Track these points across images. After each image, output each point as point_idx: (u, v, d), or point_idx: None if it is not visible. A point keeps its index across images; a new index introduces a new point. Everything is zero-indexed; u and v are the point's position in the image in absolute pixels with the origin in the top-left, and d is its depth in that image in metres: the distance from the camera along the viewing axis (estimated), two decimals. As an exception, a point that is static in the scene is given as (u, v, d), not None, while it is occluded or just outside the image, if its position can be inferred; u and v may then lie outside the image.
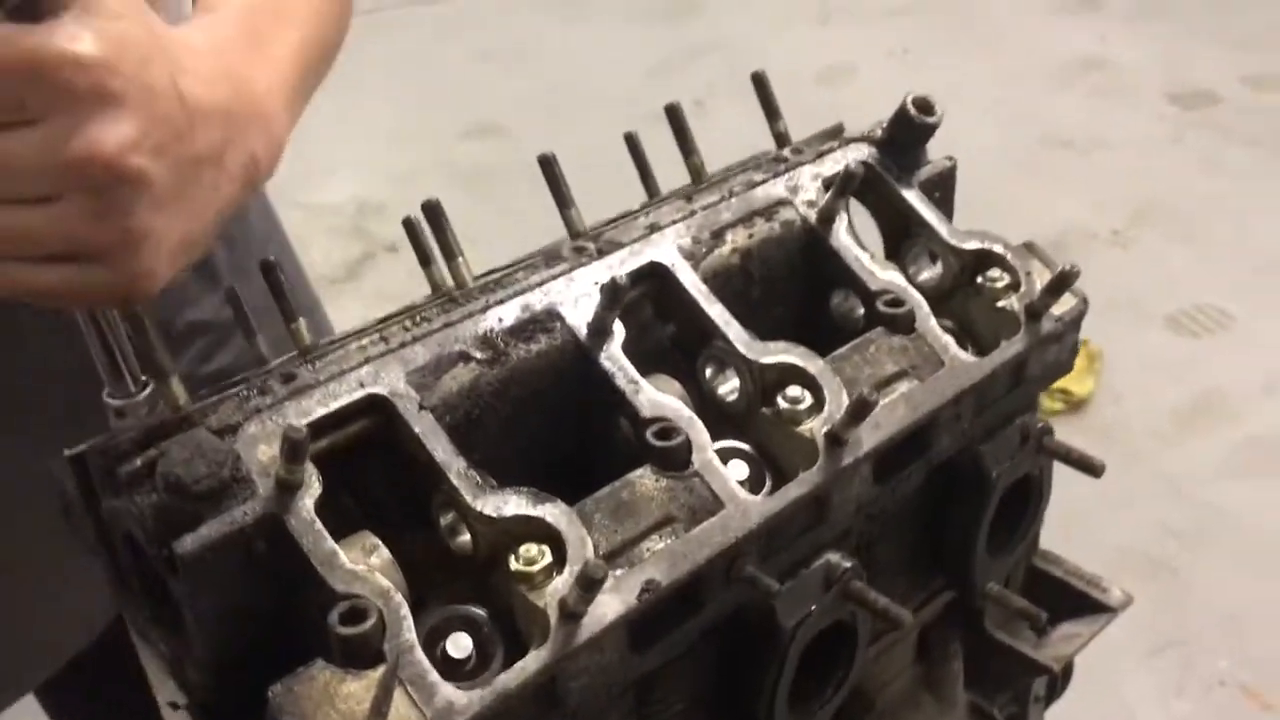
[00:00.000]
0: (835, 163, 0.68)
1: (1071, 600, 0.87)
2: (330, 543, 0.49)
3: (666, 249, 0.61)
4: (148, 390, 0.56)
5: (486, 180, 3.13)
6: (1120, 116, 3.48)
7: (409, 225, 0.61)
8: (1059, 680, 0.89)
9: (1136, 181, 3.05)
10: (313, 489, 0.49)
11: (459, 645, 0.50)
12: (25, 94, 0.46)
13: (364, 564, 0.49)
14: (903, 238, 0.69)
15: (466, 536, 0.54)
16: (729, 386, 0.61)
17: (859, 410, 0.55)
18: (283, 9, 0.74)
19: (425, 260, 0.60)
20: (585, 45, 4.01)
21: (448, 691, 0.47)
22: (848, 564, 0.58)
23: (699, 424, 0.56)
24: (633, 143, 0.66)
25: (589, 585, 0.48)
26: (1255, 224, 3.02)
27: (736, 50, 3.72)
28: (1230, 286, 2.82)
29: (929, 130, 0.68)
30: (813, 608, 0.57)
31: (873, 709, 0.77)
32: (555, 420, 0.58)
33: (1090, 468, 0.65)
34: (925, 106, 0.68)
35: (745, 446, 0.59)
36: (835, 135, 0.73)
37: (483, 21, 4.15)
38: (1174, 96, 3.56)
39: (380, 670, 0.46)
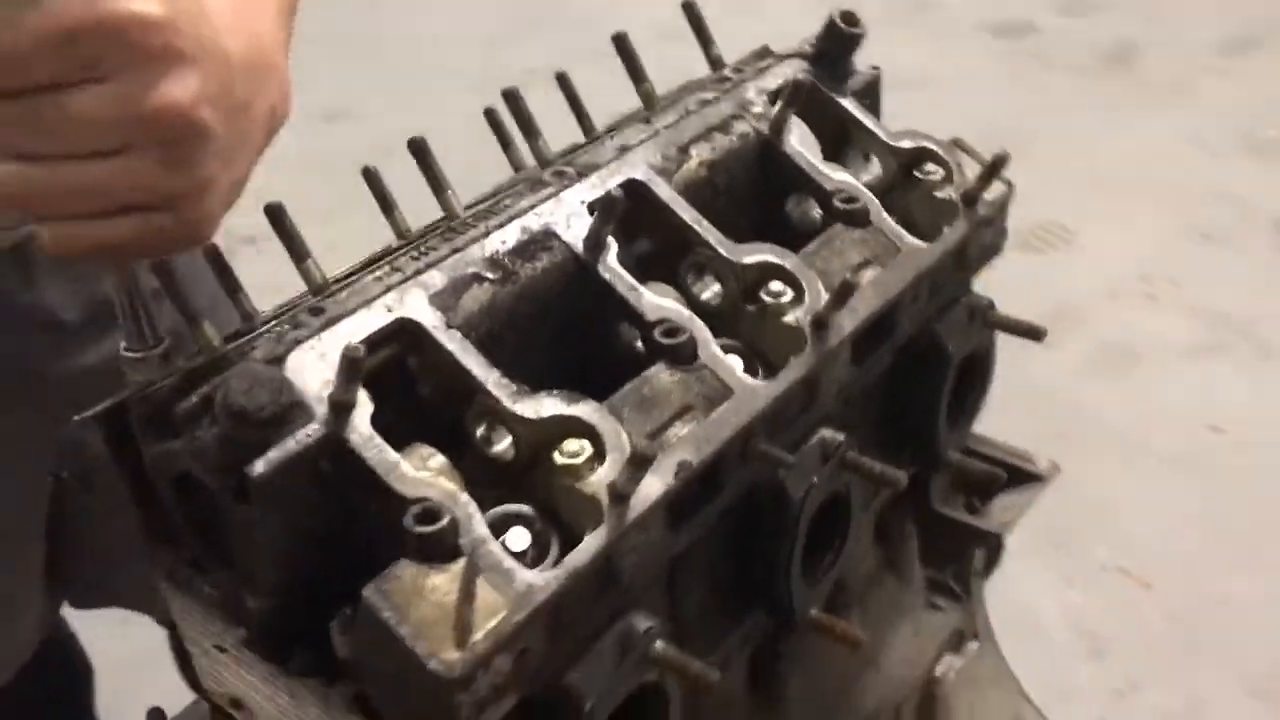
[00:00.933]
0: (776, 77, 0.73)
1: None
2: (393, 454, 0.52)
3: (640, 167, 0.66)
4: (164, 344, 0.58)
5: (343, 164, 3.11)
6: (948, 52, 3.65)
7: (368, 174, 0.63)
8: (998, 550, 0.97)
9: (970, 113, 3.21)
10: (367, 407, 0.52)
11: (518, 539, 0.53)
12: (99, 52, 0.47)
13: (425, 471, 0.52)
14: (842, 143, 0.74)
15: (502, 445, 0.57)
16: (711, 291, 0.66)
17: (842, 294, 0.61)
18: None
19: (388, 208, 0.63)
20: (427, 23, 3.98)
21: (525, 575, 0.51)
22: (841, 437, 0.64)
23: (699, 321, 0.61)
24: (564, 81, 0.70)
25: (640, 463, 0.52)
26: (1082, 143, 3.22)
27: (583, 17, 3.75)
28: (1068, 203, 3.01)
29: (856, 41, 0.74)
30: (814, 479, 0.63)
31: (846, 590, 0.83)
32: (561, 334, 0.62)
33: (1033, 333, 0.72)
34: (851, 19, 0.73)
35: (735, 341, 0.64)
36: (764, 55, 0.78)
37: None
38: (995, 29, 3.75)
39: (460, 563, 0.50)
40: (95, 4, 0.47)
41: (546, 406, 0.55)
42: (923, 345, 0.71)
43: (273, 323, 0.56)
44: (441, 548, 0.50)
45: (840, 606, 0.83)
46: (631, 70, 0.71)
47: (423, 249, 0.60)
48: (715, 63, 0.76)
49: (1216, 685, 2.26)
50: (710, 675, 0.54)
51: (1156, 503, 2.51)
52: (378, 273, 0.59)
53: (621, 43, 0.71)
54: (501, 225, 0.61)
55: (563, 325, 0.62)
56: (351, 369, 0.50)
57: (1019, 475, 0.94)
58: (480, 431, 0.57)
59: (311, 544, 0.54)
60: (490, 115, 0.66)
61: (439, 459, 0.53)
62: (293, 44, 0.63)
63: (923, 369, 0.72)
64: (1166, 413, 2.74)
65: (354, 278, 0.59)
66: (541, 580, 0.51)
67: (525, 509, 0.55)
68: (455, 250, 0.60)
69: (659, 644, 0.55)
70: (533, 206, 0.62)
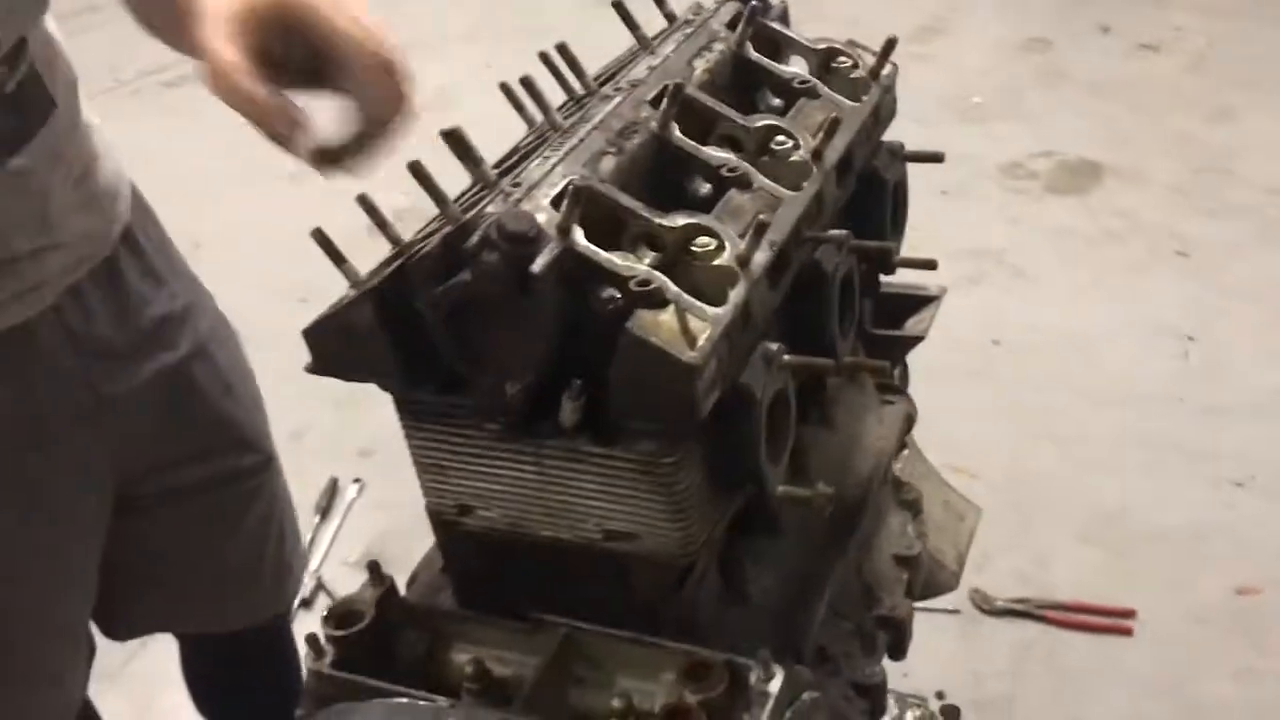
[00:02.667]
0: (725, 14, 1.04)
1: (905, 303, 1.27)
2: (609, 254, 0.78)
3: (669, 75, 0.95)
4: None
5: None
6: None
7: (505, 88, 0.91)
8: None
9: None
10: (579, 229, 0.79)
11: (689, 300, 0.81)
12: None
13: (633, 260, 0.79)
14: (775, 54, 1.05)
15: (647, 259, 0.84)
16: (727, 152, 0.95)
17: (830, 131, 0.91)
18: None
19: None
20: None
21: (712, 312, 0.78)
22: (845, 231, 0.94)
23: (747, 164, 0.90)
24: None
25: (760, 231, 0.80)
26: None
27: None
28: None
29: (773, -18, 1.05)
30: (838, 260, 0.93)
31: (826, 394, 1.13)
32: (653, 185, 0.90)
33: (934, 157, 1.05)
34: (768, -34, 1.05)
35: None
36: (699, 10, 1.09)
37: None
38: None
39: (671, 308, 0.77)
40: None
41: (680, 219, 0.83)
42: (868, 176, 1.03)
43: (486, 196, 0.82)
44: (657, 299, 0.77)
45: (827, 404, 1.13)
46: (627, 20, 1.01)
47: (557, 140, 0.87)
48: (669, 17, 1.07)
49: (1053, 540, 2.68)
50: (826, 365, 0.83)
51: (964, 409, 2.94)
52: (536, 159, 0.85)
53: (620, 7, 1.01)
54: (602, 121, 0.89)
55: (655, 179, 0.90)
56: (575, 199, 0.77)
57: (919, 300, 1.27)
58: (633, 248, 0.84)
59: (552, 332, 0.79)
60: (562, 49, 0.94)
61: (645, 257, 0.80)
62: None
63: (870, 192, 1.03)
64: (955, 336, 3.19)
65: (519, 164, 0.85)
66: (719, 313, 0.78)
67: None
68: (580, 140, 0.87)
69: (786, 356, 0.83)
70: (615, 109, 0.91)
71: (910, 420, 1.24)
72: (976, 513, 1.39)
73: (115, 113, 4.34)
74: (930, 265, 1.04)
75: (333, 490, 2.76)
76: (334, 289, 0.87)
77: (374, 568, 0.95)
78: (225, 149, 4.28)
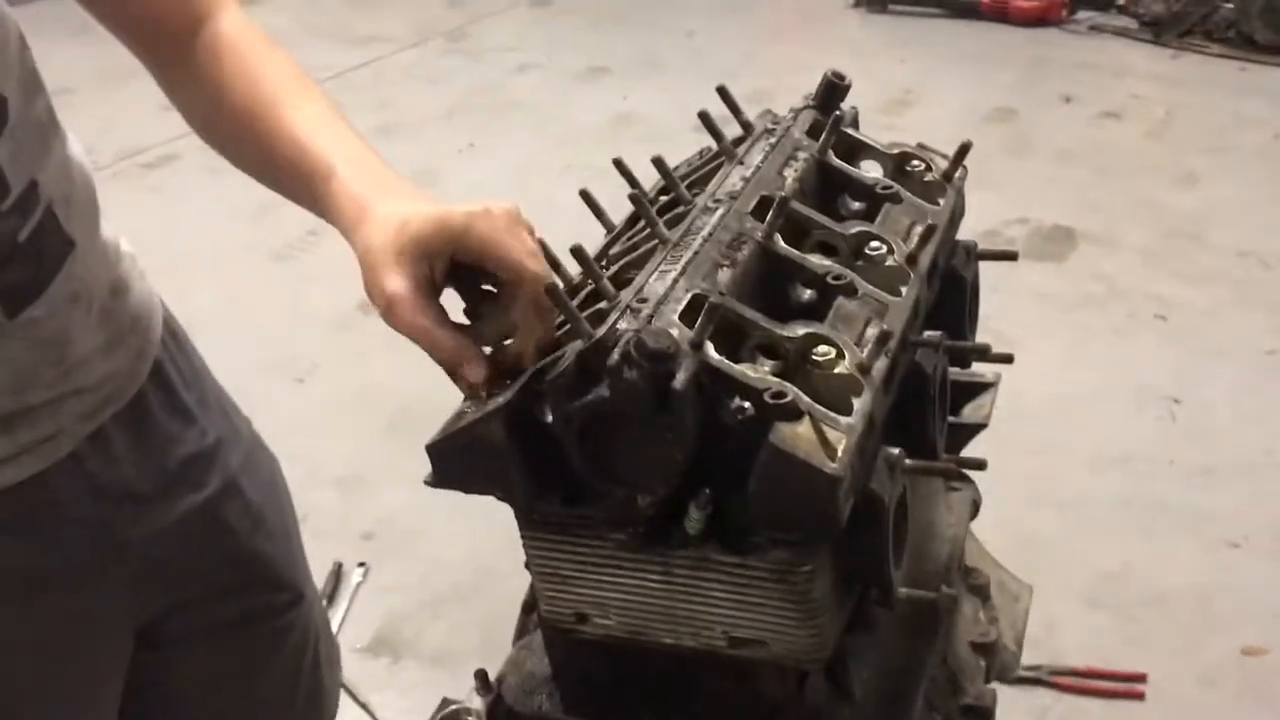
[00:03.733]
0: (804, 122, 1.07)
1: (963, 390, 1.30)
2: (739, 366, 0.80)
3: (764, 187, 0.98)
4: None
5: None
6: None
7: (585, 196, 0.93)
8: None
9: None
10: (711, 345, 0.81)
11: (815, 409, 0.83)
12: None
13: (759, 373, 0.81)
14: (851, 159, 1.09)
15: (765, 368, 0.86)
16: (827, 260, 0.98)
17: (926, 237, 0.94)
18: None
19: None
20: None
21: (845, 421, 0.80)
22: (939, 334, 0.97)
23: (849, 271, 0.93)
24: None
25: (883, 339, 0.83)
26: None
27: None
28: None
29: (846, 90, 1.09)
30: (936, 364, 0.95)
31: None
32: (762, 294, 0.92)
33: (1009, 256, 1.08)
34: (839, 76, 1.09)
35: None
36: (773, 116, 1.12)
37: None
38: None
39: (806, 419, 0.79)
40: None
41: (800, 328, 0.85)
42: (948, 275, 1.06)
43: (617, 318, 0.84)
44: (792, 412, 0.79)
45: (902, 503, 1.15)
46: (735, 113, 1.04)
47: (671, 256, 0.89)
48: (745, 125, 1.10)
49: (1059, 605, 2.70)
50: (946, 468, 0.85)
51: (963, 475, 2.95)
52: (653, 275, 0.87)
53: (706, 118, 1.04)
54: (710, 235, 0.91)
55: (761, 288, 0.92)
56: (709, 315, 0.79)
57: (975, 388, 1.30)
58: (753, 358, 0.86)
59: (692, 444, 0.81)
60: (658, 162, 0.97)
61: (764, 366, 0.82)
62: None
63: (950, 291, 1.06)
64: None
65: (626, 273, 0.87)
66: (854, 421, 0.81)
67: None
68: (695, 253, 0.89)
69: (907, 460, 0.86)
70: (721, 221, 0.93)
71: (976, 506, 1.27)
72: (1029, 592, 1.42)
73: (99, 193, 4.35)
74: (1008, 360, 1.07)
75: (337, 575, 2.74)
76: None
77: (481, 676, 0.96)
78: (208, 229, 4.32)
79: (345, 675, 2.52)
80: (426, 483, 0.89)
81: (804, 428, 0.79)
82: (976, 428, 1.25)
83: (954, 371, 1.29)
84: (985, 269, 4.16)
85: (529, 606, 1.06)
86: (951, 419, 1.25)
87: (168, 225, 4.12)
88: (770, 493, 0.79)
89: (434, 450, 0.87)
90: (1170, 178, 4.24)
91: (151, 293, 1.25)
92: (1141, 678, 2.47)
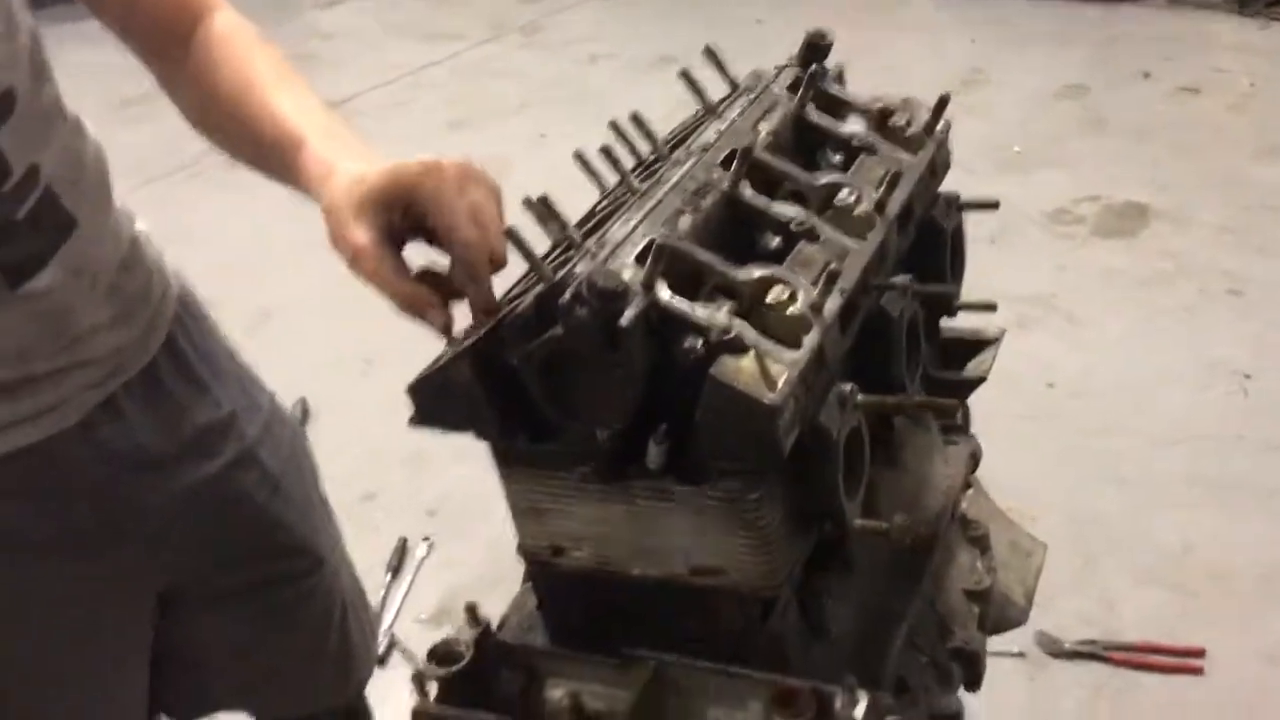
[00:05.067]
0: (786, 79, 1.10)
1: (966, 346, 1.32)
2: (690, 304, 0.84)
3: (736, 138, 1.01)
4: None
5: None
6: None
7: (579, 157, 0.97)
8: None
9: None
10: (663, 283, 0.84)
11: (766, 346, 0.86)
12: None
13: (713, 310, 0.85)
14: (834, 114, 1.11)
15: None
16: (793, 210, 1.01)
17: (891, 185, 0.97)
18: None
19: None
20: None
21: (789, 355, 0.84)
22: (906, 278, 0.99)
23: (816, 217, 0.96)
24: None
25: (831, 280, 0.86)
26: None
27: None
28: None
29: (828, 49, 1.11)
30: (903, 305, 0.98)
31: (895, 436, 1.18)
32: (725, 241, 0.96)
33: (989, 205, 1.10)
34: (821, 36, 1.11)
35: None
36: (759, 76, 1.15)
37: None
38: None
39: (751, 354, 0.82)
40: None
41: (755, 271, 0.89)
42: (927, 225, 1.08)
43: (572, 258, 0.88)
44: (737, 345, 0.83)
45: (895, 447, 1.17)
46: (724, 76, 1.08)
47: (636, 202, 0.93)
48: (732, 84, 1.13)
49: (1118, 581, 2.68)
50: (898, 402, 0.88)
51: (1022, 452, 2.96)
52: (617, 221, 0.92)
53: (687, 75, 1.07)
54: (677, 183, 0.95)
55: (728, 235, 0.96)
56: (658, 255, 0.83)
57: (977, 343, 1.32)
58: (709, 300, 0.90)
59: (641, 381, 0.85)
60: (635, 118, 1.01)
61: (721, 308, 0.86)
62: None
63: (930, 241, 1.08)
64: (1009, 382, 3.22)
65: (600, 226, 0.92)
66: (798, 356, 0.84)
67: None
68: (658, 202, 0.93)
69: (861, 395, 0.88)
70: (689, 172, 0.97)
71: (975, 459, 1.28)
72: (1043, 549, 1.43)
73: (178, 195, 4.53)
74: (990, 307, 1.09)
75: (403, 549, 2.82)
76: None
77: (471, 609, 1.01)
78: (286, 222, 4.44)
79: (408, 642, 2.62)
80: (409, 422, 0.95)
81: (747, 361, 0.82)
82: (976, 381, 1.27)
83: (957, 328, 1.31)
84: (1052, 246, 4.12)
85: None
86: (954, 374, 1.28)
87: (248, 219, 4.27)
88: (715, 424, 0.83)
89: (413, 391, 0.92)
90: (1251, 151, 4.14)
91: (166, 271, 1.32)
92: (1200, 653, 2.43)
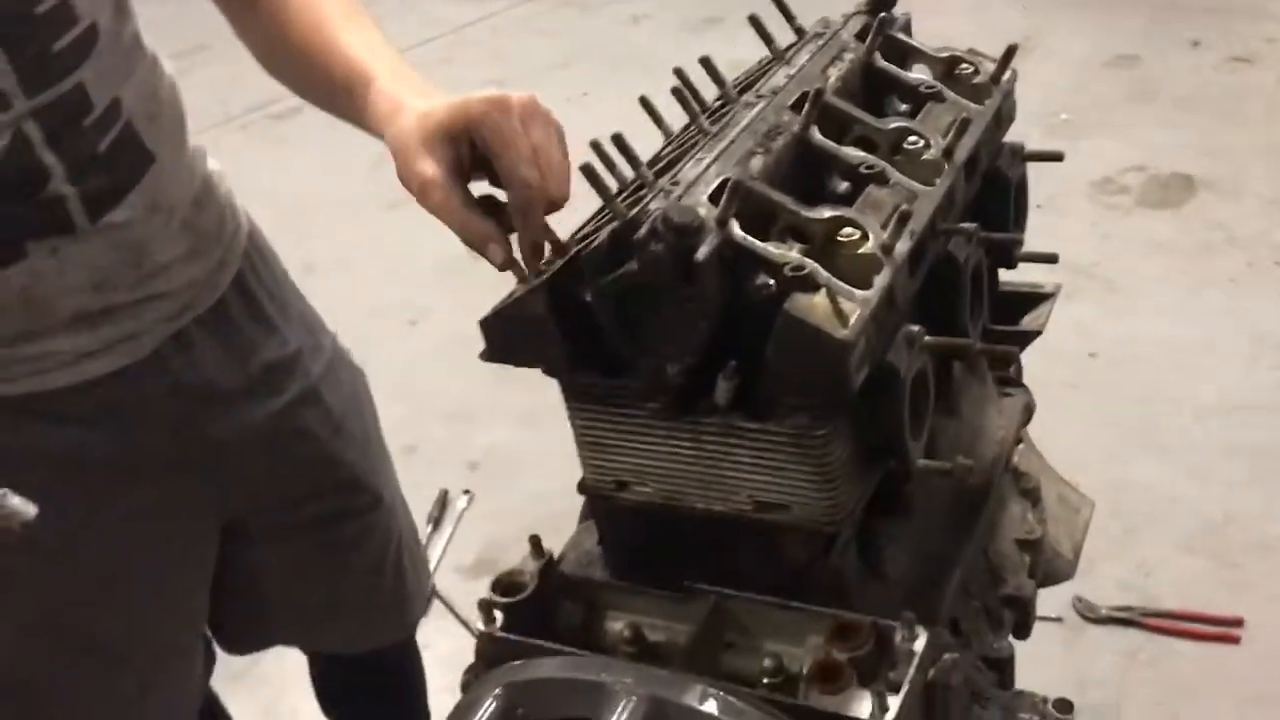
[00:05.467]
0: (854, 25, 1.11)
1: (1023, 300, 1.32)
2: (763, 244, 0.85)
3: (807, 83, 1.02)
4: None
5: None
6: None
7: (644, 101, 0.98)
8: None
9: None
10: (736, 222, 0.86)
11: (836, 285, 0.87)
12: None
13: (784, 249, 0.86)
14: (902, 62, 1.12)
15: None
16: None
17: (961, 131, 0.98)
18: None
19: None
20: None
21: (860, 294, 0.85)
22: (973, 225, 1.00)
23: (884, 162, 0.96)
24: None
25: (902, 222, 0.87)
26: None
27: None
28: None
29: (896, -2, 1.12)
30: (969, 251, 0.99)
31: (952, 387, 1.19)
32: (797, 183, 0.97)
33: (1054, 156, 1.10)
34: (892, -19, 1.12)
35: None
36: (827, 23, 1.16)
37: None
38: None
39: (823, 291, 0.83)
40: None
41: (827, 210, 0.90)
42: (992, 175, 1.08)
43: (647, 196, 0.89)
44: (809, 283, 0.84)
45: (953, 396, 1.18)
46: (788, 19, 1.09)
47: (707, 143, 0.94)
48: (799, 31, 1.14)
49: (1157, 549, 2.68)
50: (964, 344, 0.89)
51: (1063, 420, 2.94)
52: (689, 161, 0.93)
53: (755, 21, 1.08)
54: (748, 125, 0.96)
55: (799, 178, 0.97)
56: (733, 193, 0.84)
57: (1034, 298, 1.33)
58: (782, 240, 0.91)
59: (714, 316, 0.86)
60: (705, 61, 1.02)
61: (792, 248, 0.87)
62: None
63: (995, 190, 1.09)
64: (1051, 349, 3.20)
65: (672, 166, 0.93)
66: (869, 295, 0.85)
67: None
68: (730, 143, 0.94)
69: (928, 337, 0.90)
70: (759, 114, 0.98)
71: (1029, 411, 1.29)
72: (1090, 506, 1.43)
73: (225, 146, 4.56)
74: (1052, 259, 1.10)
75: (444, 502, 2.86)
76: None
77: (535, 541, 1.03)
78: (332, 177, 4.49)
79: (448, 593, 2.65)
80: (481, 357, 0.97)
81: (820, 299, 0.83)
82: (1033, 334, 1.27)
83: (1014, 283, 1.32)
84: (1097, 216, 4.10)
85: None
86: (1010, 327, 1.28)
87: (294, 172, 4.31)
88: (786, 359, 0.84)
89: (486, 326, 0.94)
90: (1302, 123, 4.09)
91: (237, 209, 1.35)
92: (1238, 622, 2.44)
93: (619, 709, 0.83)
